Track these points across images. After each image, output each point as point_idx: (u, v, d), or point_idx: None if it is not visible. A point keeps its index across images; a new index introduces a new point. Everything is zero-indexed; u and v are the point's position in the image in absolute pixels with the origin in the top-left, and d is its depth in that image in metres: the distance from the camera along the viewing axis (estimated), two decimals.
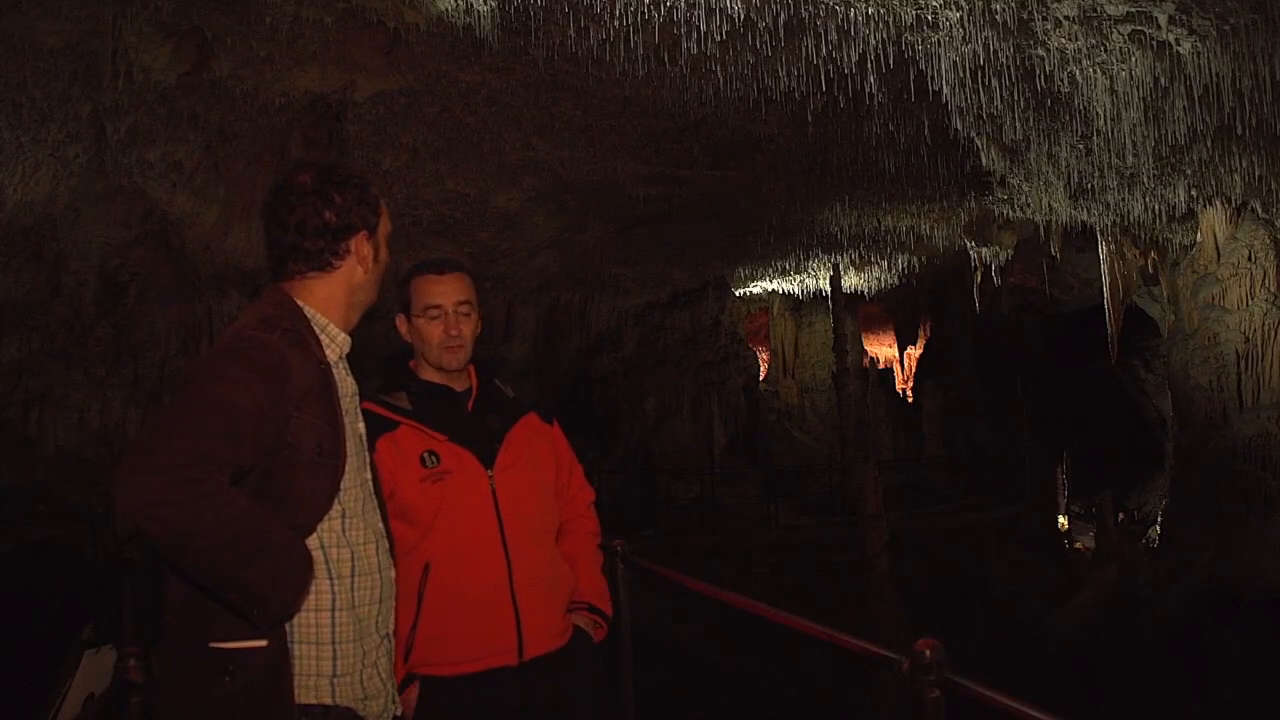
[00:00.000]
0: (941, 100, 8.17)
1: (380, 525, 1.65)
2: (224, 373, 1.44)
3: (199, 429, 1.37)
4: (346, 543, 1.57)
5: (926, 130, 9.27)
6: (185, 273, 10.72)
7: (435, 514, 1.90)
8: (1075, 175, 9.97)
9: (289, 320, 1.53)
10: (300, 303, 1.58)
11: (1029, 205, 11.53)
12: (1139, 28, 6.84)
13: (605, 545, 2.32)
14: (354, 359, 1.67)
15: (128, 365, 11.00)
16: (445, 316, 1.99)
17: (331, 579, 1.54)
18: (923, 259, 15.83)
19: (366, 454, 1.66)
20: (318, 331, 1.58)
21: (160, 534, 1.34)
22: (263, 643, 1.45)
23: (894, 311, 21.50)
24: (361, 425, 1.65)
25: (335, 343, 1.60)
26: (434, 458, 1.93)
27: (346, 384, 1.62)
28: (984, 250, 14.56)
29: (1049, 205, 11.30)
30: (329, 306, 1.60)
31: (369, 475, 1.65)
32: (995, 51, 7.16)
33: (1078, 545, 15.40)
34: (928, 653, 1.49)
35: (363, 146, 9.37)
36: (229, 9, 7.00)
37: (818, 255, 15.41)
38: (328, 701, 1.53)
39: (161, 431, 1.40)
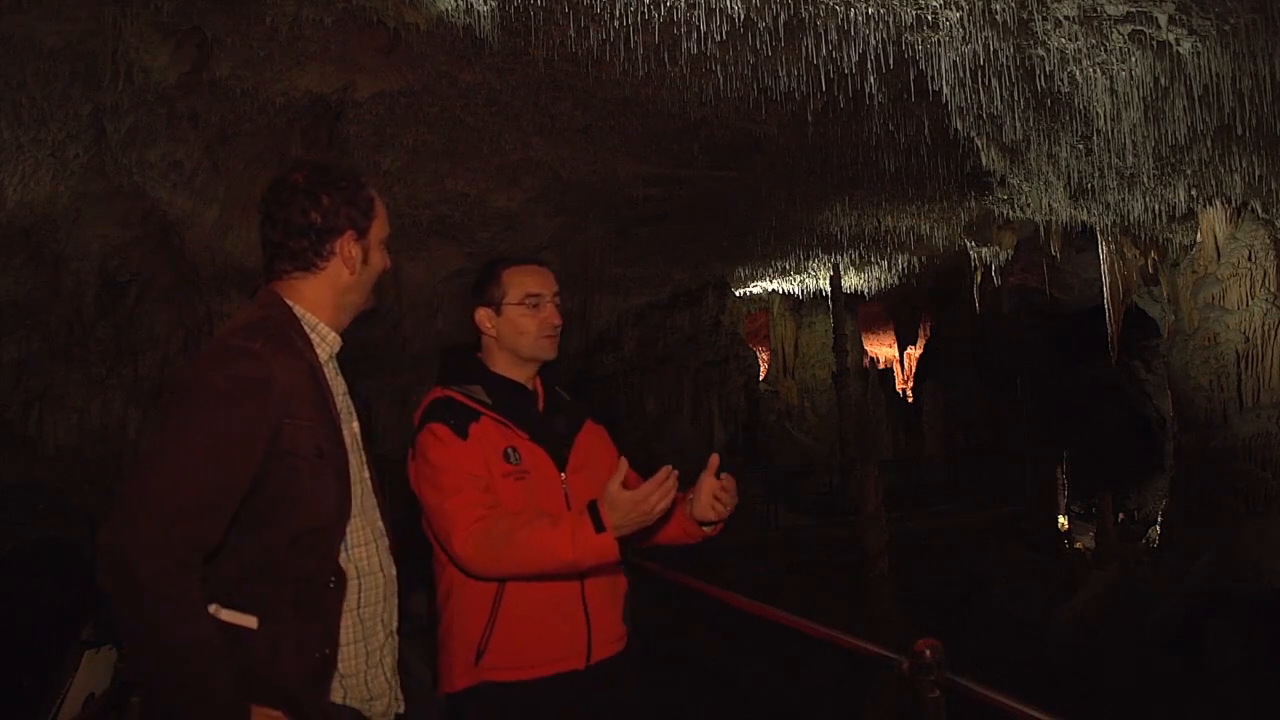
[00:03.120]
0: (941, 100, 8.17)
1: (380, 523, 1.65)
2: (206, 395, 1.43)
3: (183, 481, 1.37)
4: (349, 544, 1.57)
5: (926, 130, 9.26)
6: (185, 273, 10.71)
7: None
8: (1075, 175, 9.97)
9: (276, 323, 1.53)
10: (290, 303, 1.57)
11: (1029, 205, 11.53)
12: (1139, 28, 6.84)
13: None
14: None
15: (128, 365, 10.99)
16: (545, 305, 2.02)
17: None
18: (923, 259, 15.83)
19: (363, 453, 1.65)
20: (308, 331, 1.57)
21: (119, 593, 1.34)
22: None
23: (894, 311, 21.51)
24: (356, 424, 1.64)
25: (326, 342, 1.60)
26: (516, 455, 1.93)
27: (337, 383, 1.61)
28: (984, 250, 14.57)
29: (1049, 205, 11.30)
30: (318, 307, 1.59)
31: (368, 474, 1.65)
32: (995, 51, 7.16)
33: (1078, 545, 15.38)
34: (928, 653, 1.50)
35: (363, 146, 9.36)
36: (229, 9, 6.99)
37: (818, 255, 15.40)
38: (338, 701, 1.54)
39: (148, 493, 1.38)
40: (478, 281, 2.07)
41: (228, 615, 1.43)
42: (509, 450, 1.93)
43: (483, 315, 2.03)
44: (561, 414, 2.07)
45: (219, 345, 1.50)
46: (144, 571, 1.32)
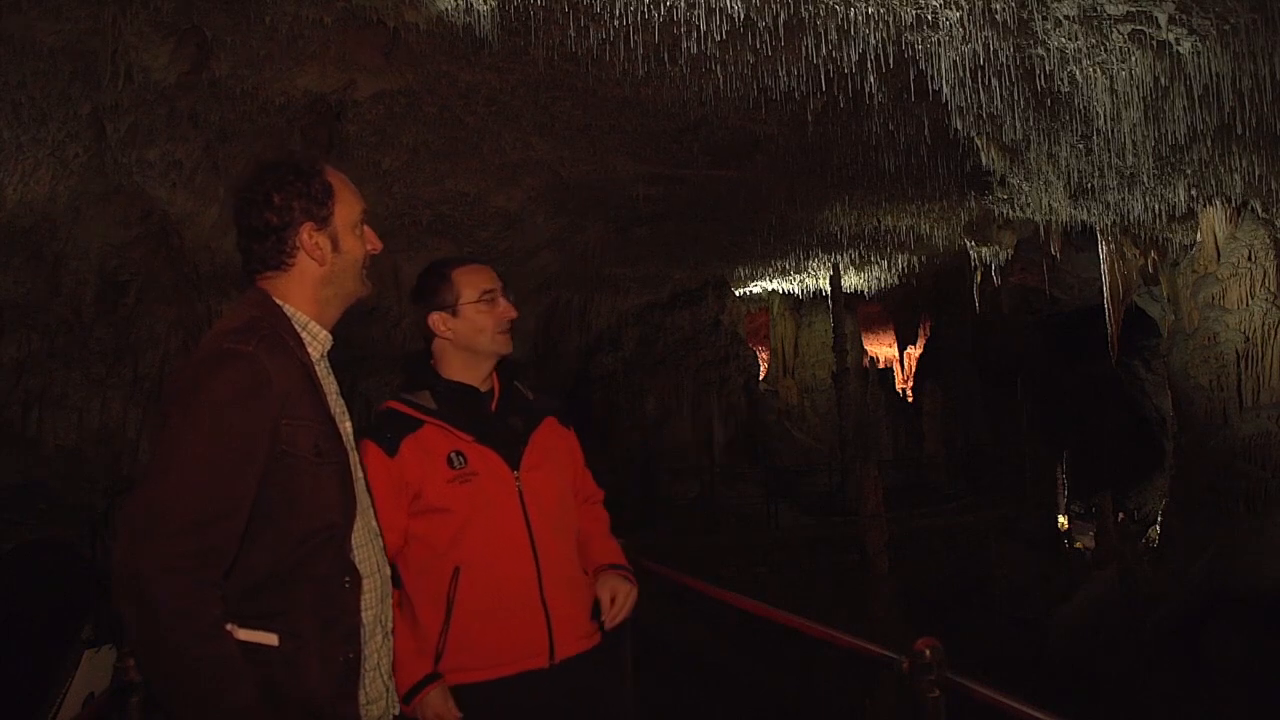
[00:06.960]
0: (941, 100, 8.17)
1: (374, 523, 1.65)
2: (206, 403, 1.41)
3: (192, 494, 1.35)
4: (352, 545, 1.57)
5: (926, 130, 9.26)
6: (185, 273, 10.71)
7: (464, 516, 1.89)
8: (1075, 175, 9.96)
9: (268, 323, 1.51)
10: (279, 301, 1.57)
11: (1029, 205, 11.52)
12: (1139, 27, 6.83)
13: None
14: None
15: (128, 365, 11.00)
16: (500, 300, 2.02)
17: None
18: (923, 259, 15.83)
19: (355, 453, 1.65)
20: (299, 329, 1.56)
21: (136, 614, 1.32)
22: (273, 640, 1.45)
23: (894, 311, 21.51)
24: (348, 424, 1.63)
25: (317, 340, 1.59)
26: (461, 458, 1.91)
27: (329, 383, 1.60)
28: (984, 250, 14.55)
29: (1049, 205, 11.29)
30: (303, 304, 1.58)
31: (360, 474, 1.65)
32: (995, 51, 7.15)
33: (1078, 545, 15.39)
34: (928, 653, 1.50)
35: (363, 146, 9.36)
36: (229, 9, 6.99)
37: (818, 255, 15.40)
38: None
39: (159, 509, 1.36)
40: (424, 287, 2.06)
41: (245, 635, 1.40)
42: (453, 455, 1.91)
43: (437, 319, 2.03)
44: (517, 412, 2.04)
45: (213, 349, 1.47)
46: (160, 590, 1.30)
